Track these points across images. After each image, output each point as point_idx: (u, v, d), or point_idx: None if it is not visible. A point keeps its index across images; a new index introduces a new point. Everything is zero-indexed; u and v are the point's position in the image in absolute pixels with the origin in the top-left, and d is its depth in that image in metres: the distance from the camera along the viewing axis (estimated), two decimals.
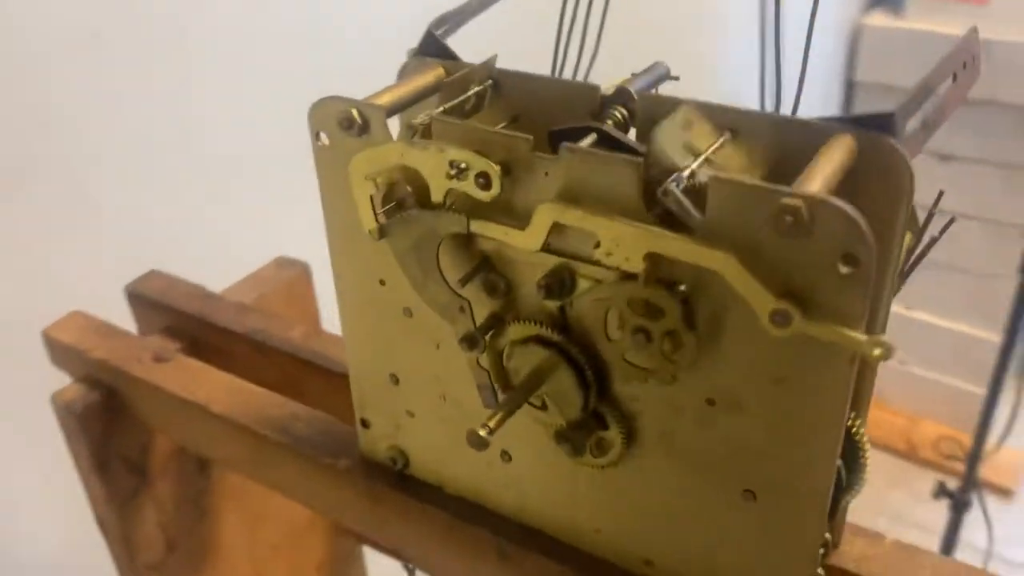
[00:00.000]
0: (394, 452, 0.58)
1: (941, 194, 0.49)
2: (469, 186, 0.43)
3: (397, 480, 0.59)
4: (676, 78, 0.50)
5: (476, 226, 0.45)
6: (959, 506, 1.93)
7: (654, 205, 0.41)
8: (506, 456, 0.53)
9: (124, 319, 0.78)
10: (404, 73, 0.53)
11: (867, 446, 0.46)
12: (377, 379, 0.56)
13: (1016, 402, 1.97)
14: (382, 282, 0.52)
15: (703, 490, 0.46)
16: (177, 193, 0.99)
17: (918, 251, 0.47)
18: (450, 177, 0.43)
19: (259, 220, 1.01)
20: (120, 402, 0.71)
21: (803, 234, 0.37)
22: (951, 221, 0.50)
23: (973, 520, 2.01)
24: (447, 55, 0.52)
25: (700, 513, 0.47)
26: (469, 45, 0.54)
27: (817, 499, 0.43)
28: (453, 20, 0.53)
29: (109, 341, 0.71)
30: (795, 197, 0.36)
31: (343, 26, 1.09)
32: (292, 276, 0.84)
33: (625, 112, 0.47)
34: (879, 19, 2.67)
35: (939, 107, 0.45)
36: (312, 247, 0.96)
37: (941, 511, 2.02)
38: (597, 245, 0.42)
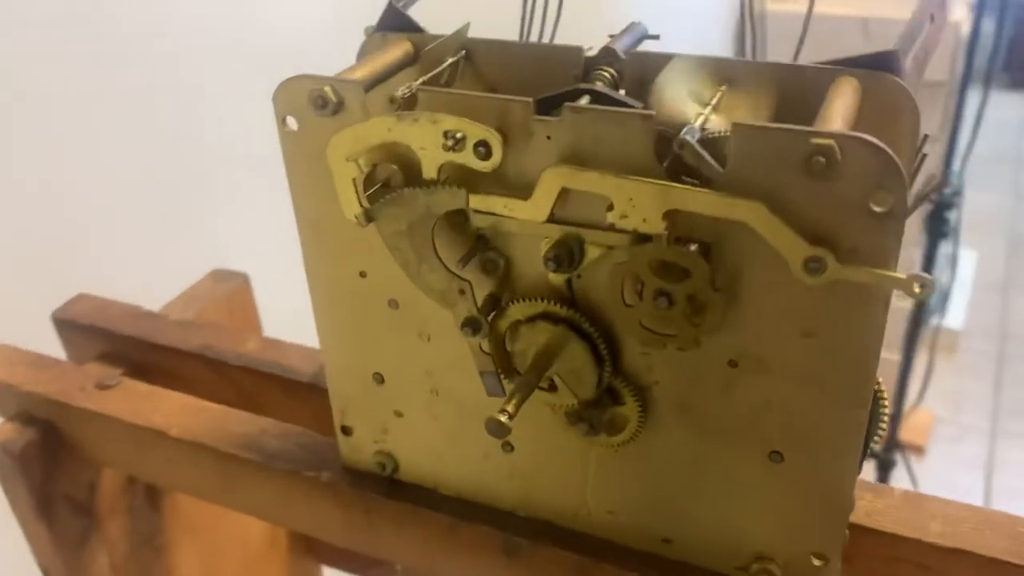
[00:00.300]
0: (382, 457, 0.55)
1: (926, 137, 0.49)
2: (467, 157, 0.40)
3: (387, 487, 0.55)
4: (656, 37, 0.48)
5: (475, 201, 0.42)
6: (885, 465, 2.00)
7: (664, 161, 0.39)
8: (508, 446, 0.50)
9: (52, 348, 0.71)
10: (366, 51, 0.50)
11: (884, 392, 0.45)
12: (360, 381, 0.53)
13: (928, 367, 2.05)
14: (363, 274, 0.48)
15: (725, 457, 0.45)
16: (92, 210, 0.92)
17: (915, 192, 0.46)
18: (446, 149, 0.40)
19: (182, 233, 0.95)
20: (61, 438, 0.65)
21: (834, 175, 0.36)
22: (922, 158, 0.50)
23: (895, 478, 2.08)
24: (412, 28, 0.49)
25: (722, 481, 0.46)
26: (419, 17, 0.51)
27: (849, 453, 0.42)
28: None
29: (43, 373, 0.65)
30: (825, 136, 0.35)
31: (259, 22, 1.03)
32: (231, 289, 0.79)
33: (614, 72, 0.45)
34: (776, 3, 2.74)
35: (924, 47, 0.45)
36: (246, 256, 0.91)
37: (867, 471, 2.08)
38: (610, 208, 0.39)
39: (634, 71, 0.46)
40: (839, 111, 0.38)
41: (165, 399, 0.63)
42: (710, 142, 0.39)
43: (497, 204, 0.42)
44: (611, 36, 0.48)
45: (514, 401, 0.42)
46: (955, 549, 0.49)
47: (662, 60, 0.45)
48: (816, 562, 0.46)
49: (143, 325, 0.69)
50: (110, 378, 0.64)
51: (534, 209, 0.41)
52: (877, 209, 0.36)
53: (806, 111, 0.42)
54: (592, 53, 0.46)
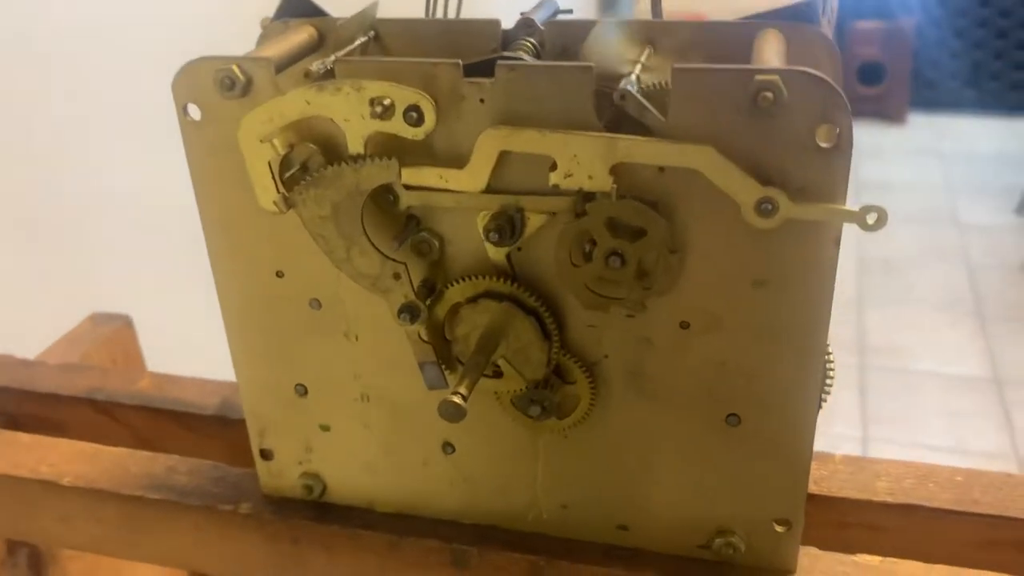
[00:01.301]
0: (308, 479, 0.50)
1: None
2: (397, 124, 0.38)
3: (316, 512, 0.51)
4: (569, 11, 0.47)
5: (407, 175, 0.39)
6: None
7: (602, 120, 0.38)
8: (448, 447, 0.47)
9: None
10: (266, 39, 0.47)
11: (828, 345, 0.45)
12: (279, 395, 0.49)
13: None
14: (279, 274, 0.45)
15: (681, 426, 0.43)
16: None
17: None
18: (374, 117, 0.38)
19: (55, 277, 0.87)
20: None
21: (780, 112, 0.35)
22: None
23: None
24: (315, 12, 0.46)
25: (679, 453, 0.44)
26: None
27: (807, 407, 0.41)
28: None
29: None
30: (769, 73, 0.35)
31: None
32: (113, 331, 0.73)
33: (535, 42, 0.44)
34: None
35: (830, 3, 0.46)
36: (125, 300, 0.85)
37: None
38: (553, 168, 0.38)
39: (554, 41, 0.45)
40: (773, 54, 0.38)
41: (52, 448, 0.56)
42: (649, 94, 0.38)
43: (431, 176, 0.39)
44: (523, 13, 0.47)
45: (466, 382, 0.39)
46: (904, 505, 0.50)
47: (582, 28, 0.44)
48: (779, 528, 0.44)
49: (19, 373, 0.63)
50: None
51: (471, 178, 0.39)
52: (824, 144, 0.36)
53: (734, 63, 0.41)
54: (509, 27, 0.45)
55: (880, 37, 3.29)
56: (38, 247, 0.84)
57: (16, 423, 0.62)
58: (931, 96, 3.44)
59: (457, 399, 0.38)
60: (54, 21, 0.84)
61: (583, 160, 0.37)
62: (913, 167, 3.32)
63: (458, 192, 0.40)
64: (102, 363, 0.70)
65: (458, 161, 0.39)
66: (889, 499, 0.50)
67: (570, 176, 0.38)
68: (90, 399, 0.61)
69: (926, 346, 2.43)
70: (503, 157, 0.38)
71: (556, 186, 0.38)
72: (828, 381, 0.45)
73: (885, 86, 3.32)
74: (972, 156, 3.33)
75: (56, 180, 0.85)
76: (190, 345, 0.85)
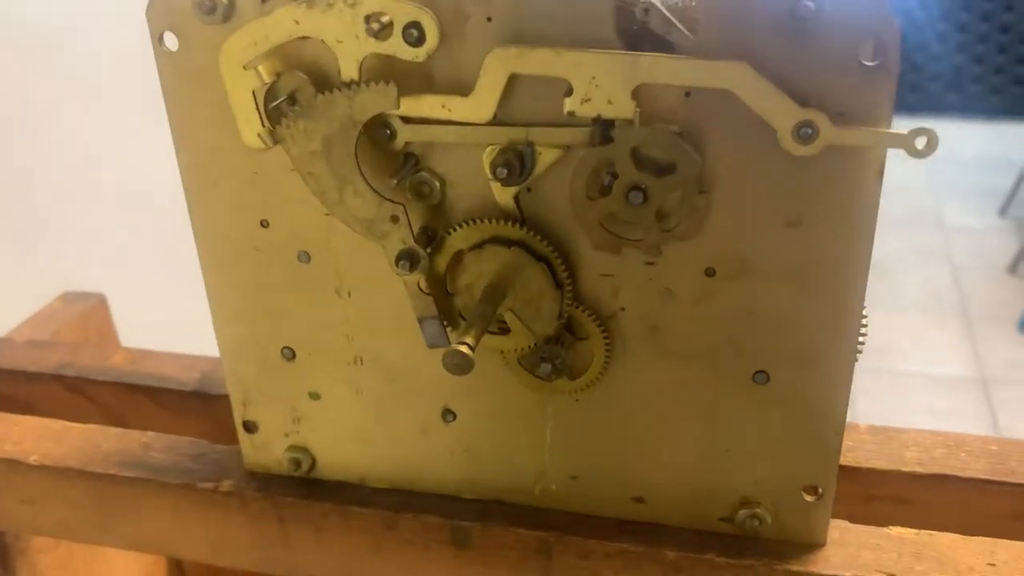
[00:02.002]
0: (295, 453, 0.47)
1: None
2: (396, 45, 0.34)
3: (303, 489, 0.47)
4: None
5: (406, 105, 0.36)
6: None
7: (621, 37, 0.34)
8: (448, 414, 0.44)
9: None
10: None
11: None
12: (265, 360, 0.45)
13: None
14: (264, 223, 0.41)
15: (704, 385, 0.40)
16: None
17: None
18: (370, 35, 0.34)
19: (26, 256, 0.83)
20: None
21: (821, 25, 0.32)
22: None
23: None
24: None
25: (701, 416, 0.40)
26: None
27: (842, 362, 0.38)
28: None
29: None
30: None
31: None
32: (85, 309, 0.68)
33: None
34: None
35: None
36: (99, 279, 0.80)
37: None
38: (568, 93, 0.34)
39: None
40: None
41: (16, 424, 0.52)
42: (673, 11, 0.35)
43: (432, 105, 0.36)
44: None
45: (472, 332, 0.36)
46: (934, 475, 0.46)
47: None
48: (808, 497, 0.41)
49: None
50: None
51: (477, 106, 0.35)
52: (867, 62, 0.32)
53: None
54: None
55: None
56: (6, 225, 0.80)
57: None
58: (914, 100, 3.44)
59: (464, 348, 0.34)
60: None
61: (602, 82, 0.34)
62: (897, 170, 3.32)
63: (462, 124, 0.36)
64: (75, 342, 0.66)
65: (462, 88, 0.36)
66: (919, 469, 0.47)
67: (588, 101, 0.34)
68: (59, 375, 0.57)
69: (912, 347, 2.41)
70: (512, 82, 0.35)
71: (571, 113, 0.34)
72: (862, 336, 0.42)
73: None
74: (956, 159, 3.33)
75: (26, 156, 0.81)
76: (167, 325, 0.81)
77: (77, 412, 0.57)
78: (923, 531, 0.43)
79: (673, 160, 0.34)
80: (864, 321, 0.41)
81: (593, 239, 0.37)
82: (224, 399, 0.54)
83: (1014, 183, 2.84)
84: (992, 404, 2.24)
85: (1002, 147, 3.39)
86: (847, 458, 0.47)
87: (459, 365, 0.34)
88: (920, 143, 0.32)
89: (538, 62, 0.34)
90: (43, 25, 0.82)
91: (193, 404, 0.55)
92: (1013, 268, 2.59)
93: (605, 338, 0.39)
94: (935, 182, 3.14)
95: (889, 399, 2.24)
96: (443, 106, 0.36)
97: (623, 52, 0.33)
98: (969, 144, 3.44)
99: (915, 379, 2.31)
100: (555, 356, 0.39)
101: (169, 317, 0.84)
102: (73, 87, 0.85)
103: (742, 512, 0.42)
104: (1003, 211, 2.87)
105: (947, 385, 2.31)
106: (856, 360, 0.40)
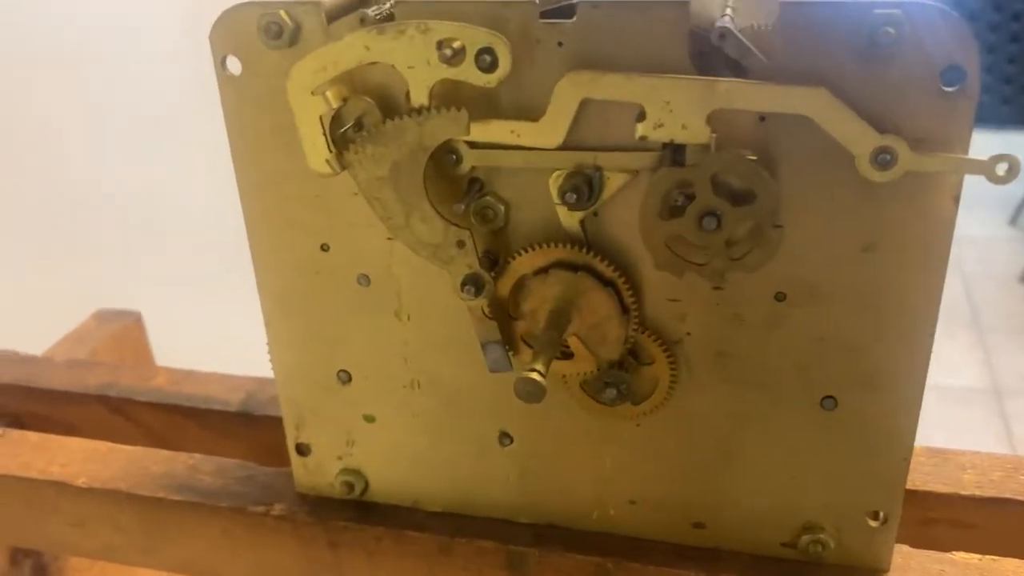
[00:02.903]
0: (348, 476, 0.46)
1: None
2: (468, 71, 0.34)
3: (356, 512, 0.47)
4: None
5: (475, 130, 0.35)
6: None
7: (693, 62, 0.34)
8: (505, 438, 0.43)
9: None
10: None
11: None
12: (320, 382, 0.44)
13: None
14: (325, 247, 0.41)
15: (770, 411, 0.39)
16: None
17: None
18: (443, 62, 0.34)
19: (62, 274, 0.82)
20: None
21: (902, 50, 0.32)
22: None
23: None
24: None
25: (766, 441, 0.40)
26: None
27: (912, 387, 0.38)
28: None
29: None
30: (890, 7, 0.31)
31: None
32: (121, 328, 0.68)
33: None
34: None
35: None
36: (133, 297, 0.80)
37: None
38: (641, 118, 0.34)
39: None
40: None
41: (62, 447, 0.52)
42: (748, 35, 0.35)
43: (502, 131, 0.35)
44: None
45: (541, 360, 0.35)
46: (993, 499, 0.46)
47: None
48: (872, 523, 0.41)
49: (24, 370, 0.58)
50: None
51: (548, 131, 0.35)
52: (948, 88, 0.32)
53: None
54: None
55: None
56: (41, 243, 0.79)
57: (21, 423, 0.57)
58: None
59: (535, 375, 0.34)
60: (59, 15, 0.80)
61: (677, 107, 0.33)
62: None
63: (529, 149, 0.36)
64: (113, 362, 0.66)
65: (531, 113, 0.35)
66: (978, 492, 0.46)
67: (661, 126, 0.34)
68: (102, 396, 0.56)
69: None
70: (583, 107, 0.35)
71: (644, 138, 0.34)
72: None
73: None
74: None
75: (60, 174, 0.81)
76: (203, 343, 0.80)
77: (120, 433, 0.56)
78: (987, 556, 0.42)
79: (752, 189, 0.34)
80: None
81: (657, 259, 0.37)
82: (268, 420, 0.54)
83: None
84: (1006, 415, 2.23)
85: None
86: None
87: (532, 393, 0.34)
88: (1001, 169, 0.32)
89: (611, 87, 0.34)
90: (74, 39, 0.82)
91: (237, 425, 0.55)
92: None
93: (671, 363, 0.39)
94: None
95: None
96: (512, 131, 0.35)
97: (699, 78, 0.33)
98: (979, 153, 3.44)
99: (927, 390, 2.30)
100: (619, 381, 0.39)
101: (204, 334, 0.83)
102: (110, 102, 0.85)
103: (805, 537, 0.41)
104: (1013, 220, 2.86)
105: (959, 396, 2.30)
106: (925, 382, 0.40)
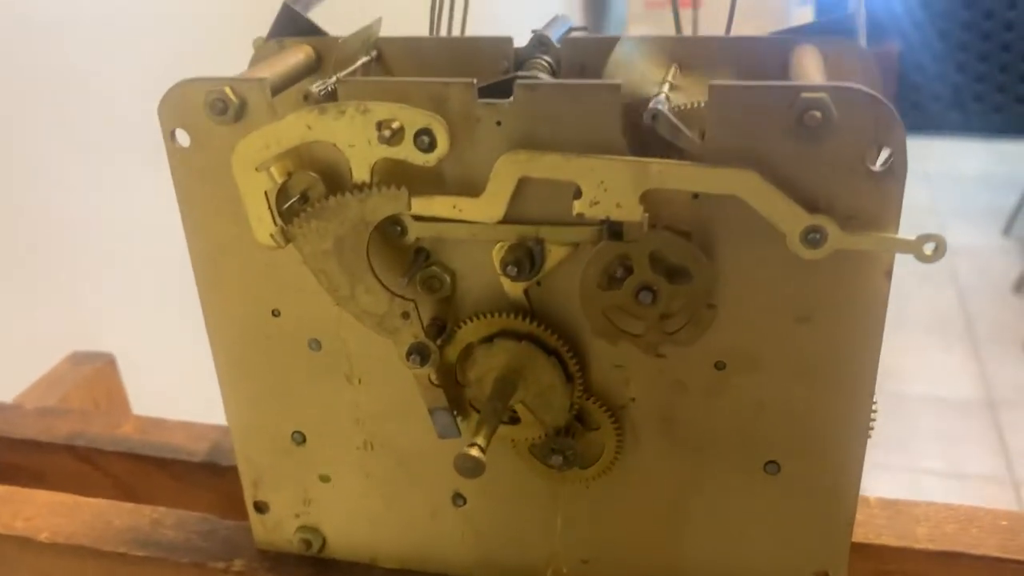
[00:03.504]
0: (306, 533, 0.47)
1: None
2: (407, 150, 0.35)
3: (315, 568, 0.47)
4: (584, 28, 0.44)
5: (418, 205, 0.36)
6: None
7: (628, 140, 0.35)
8: (459, 499, 0.44)
9: None
10: (259, 59, 0.44)
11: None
12: (276, 443, 0.45)
13: None
14: (276, 312, 0.41)
15: (715, 475, 0.40)
16: None
17: None
18: (381, 142, 0.34)
19: (33, 313, 0.83)
20: None
21: (828, 133, 0.32)
22: None
23: None
24: (312, 31, 0.43)
25: (712, 504, 0.41)
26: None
27: (852, 452, 0.38)
28: None
29: None
30: (817, 90, 0.32)
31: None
32: (94, 371, 0.69)
33: (550, 60, 0.41)
34: None
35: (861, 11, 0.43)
36: (107, 337, 0.81)
37: None
38: (577, 196, 0.34)
39: (571, 59, 0.42)
40: (816, 72, 0.35)
41: (27, 500, 0.52)
42: (681, 114, 0.35)
43: (443, 206, 0.36)
44: (534, 30, 0.44)
45: (483, 432, 0.36)
46: (946, 552, 0.46)
47: (600, 44, 0.41)
48: None
49: None
50: None
51: (488, 207, 0.36)
52: (875, 168, 0.33)
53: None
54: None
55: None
56: (13, 280, 0.80)
57: None
58: (916, 118, 3.45)
59: (475, 452, 0.34)
60: (35, 39, 0.81)
61: (611, 186, 0.34)
62: None
63: (472, 223, 0.36)
64: (84, 405, 0.66)
65: (472, 189, 0.36)
66: (931, 546, 0.46)
67: (596, 204, 0.34)
68: (70, 446, 0.57)
69: (918, 369, 2.41)
70: (522, 184, 0.35)
71: (581, 215, 0.35)
72: (871, 422, 0.42)
73: None
74: (958, 178, 3.33)
75: (34, 207, 0.81)
76: (178, 384, 0.81)
77: (87, 482, 0.57)
78: None
79: (688, 268, 0.34)
80: (874, 407, 0.41)
81: (594, 326, 0.38)
82: (233, 470, 0.54)
83: (1017, 202, 2.84)
84: (1000, 426, 2.23)
85: (1005, 166, 3.39)
86: (858, 534, 0.47)
87: (471, 469, 0.34)
88: (928, 248, 0.32)
89: (548, 166, 0.34)
90: (53, 78, 0.82)
91: (203, 475, 0.55)
92: (1018, 287, 2.59)
93: (616, 428, 0.39)
94: (938, 201, 3.14)
95: (895, 422, 2.24)
96: (454, 207, 0.36)
97: (631, 159, 0.33)
98: (972, 163, 3.44)
99: (921, 401, 2.31)
100: (566, 448, 0.39)
101: (179, 376, 0.84)
102: (82, 142, 0.85)
103: None
104: (1007, 230, 2.87)
105: (954, 407, 2.30)
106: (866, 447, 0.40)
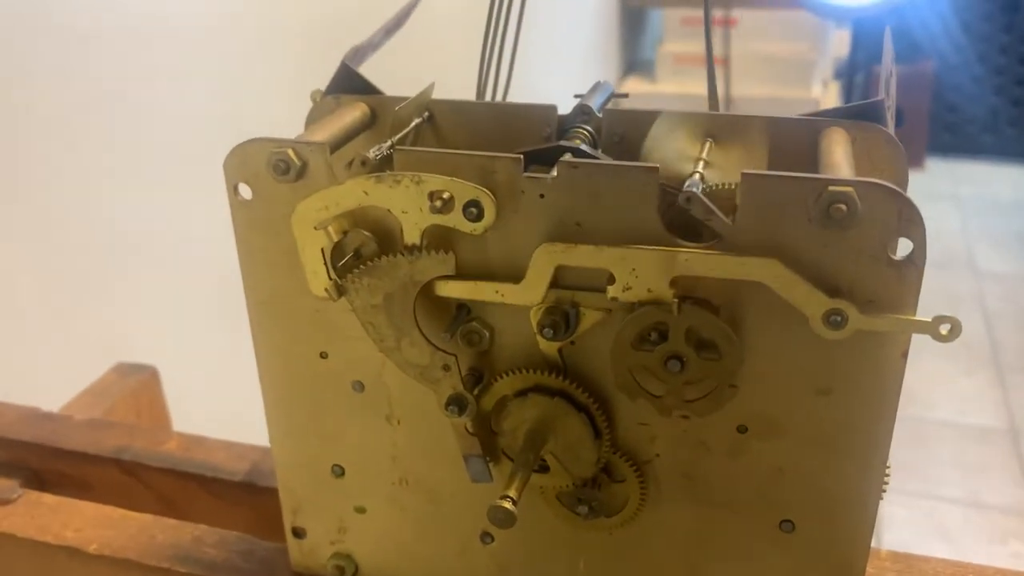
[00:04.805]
0: (340, 560, 0.49)
1: None
2: (456, 219, 0.37)
3: None
4: (625, 95, 0.47)
5: (463, 290, 0.39)
6: None
7: (663, 213, 0.37)
8: (487, 537, 0.46)
9: None
10: (316, 117, 0.46)
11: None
12: (316, 475, 0.47)
13: None
14: (324, 355, 0.44)
15: (732, 530, 0.42)
16: None
17: None
18: (432, 211, 0.37)
19: (77, 325, 0.86)
20: None
21: (853, 224, 0.34)
22: None
23: None
24: (367, 89, 0.46)
25: (729, 557, 0.43)
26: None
27: (864, 517, 0.40)
28: (363, 53, 0.47)
29: None
30: (844, 184, 0.34)
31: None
32: (138, 383, 0.72)
33: (591, 130, 0.43)
34: (634, 85, 2.86)
35: (892, 97, 0.45)
36: (148, 350, 0.84)
37: None
38: (610, 281, 0.37)
39: (611, 128, 0.44)
40: (844, 159, 0.37)
41: (77, 511, 0.55)
42: (714, 193, 0.37)
43: (487, 291, 0.38)
44: (577, 96, 0.46)
45: (515, 484, 0.38)
46: None
47: (639, 116, 0.43)
48: None
49: (44, 428, 0.62)
50: (8, 491, 0.56)
51: (528, 292, 0.38)
52: (896, 257, 0.35)
53: (798, 163, 0.41)
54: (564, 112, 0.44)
55: (899, 81, 3.28)
56: (61, 293, 0.83)
57: (41, 479, 0.61)
58: (949, 141, 3.43)
59: (507, 504, 0.37)
60: (97, 50, 0.84)
61: (642, 273, 0.36)
62: (931, 212, 3.29)
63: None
64: (127, 416, 0.69)
65: (513, 258, 0.38)
66: None
67: (629, 289, 0.37)
68: (116, 459, 0.60)
69: (941, 395, 2.40)
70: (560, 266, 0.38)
71: (614, 299, 0.37)
72: (883, 488, 0.44)
73: (904, 130, 3.30)
74: (990, 202, 3.31)
75: (81, 223, 0.84)
76: (217, 397, 0.84)
77: (132, 495, 0.60)
78: None
79: (718, 345, 0.37)
80: (887, 471, 0.43)
81: (618, 379, 0.40)
82: (271, 491, 0.57)
83: None
84: (1022, 456, 2.22)
85: None
86: None
87: (503, 520, 0.37)
88: (944, 329, 0.34)
89: (582, 256, 0.37)
90: (106, 90, 0.86)
91: (242, 494, 0.58)
92: None
93: (640, 482, 0.42)
94: (968, 226, 3.12)
95: (915, 448, 2.23)
96: (497, 291, 0.38)
97: (660, 249, 0.36)
98: (1004, 188, 3.42)
99: (943, 428, 2.30)
100: (592, 499, 0.42)
101: (219, 390, 0.87)
102: (129, 151, 0.88)
103: None
104: None
105: (976, 435, 2.29)
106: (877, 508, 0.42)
